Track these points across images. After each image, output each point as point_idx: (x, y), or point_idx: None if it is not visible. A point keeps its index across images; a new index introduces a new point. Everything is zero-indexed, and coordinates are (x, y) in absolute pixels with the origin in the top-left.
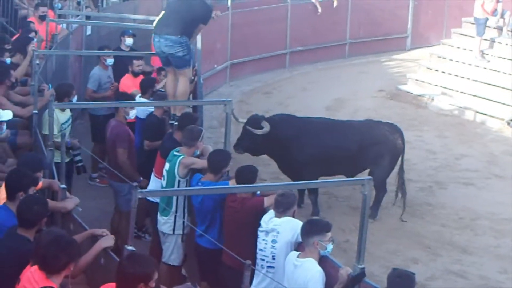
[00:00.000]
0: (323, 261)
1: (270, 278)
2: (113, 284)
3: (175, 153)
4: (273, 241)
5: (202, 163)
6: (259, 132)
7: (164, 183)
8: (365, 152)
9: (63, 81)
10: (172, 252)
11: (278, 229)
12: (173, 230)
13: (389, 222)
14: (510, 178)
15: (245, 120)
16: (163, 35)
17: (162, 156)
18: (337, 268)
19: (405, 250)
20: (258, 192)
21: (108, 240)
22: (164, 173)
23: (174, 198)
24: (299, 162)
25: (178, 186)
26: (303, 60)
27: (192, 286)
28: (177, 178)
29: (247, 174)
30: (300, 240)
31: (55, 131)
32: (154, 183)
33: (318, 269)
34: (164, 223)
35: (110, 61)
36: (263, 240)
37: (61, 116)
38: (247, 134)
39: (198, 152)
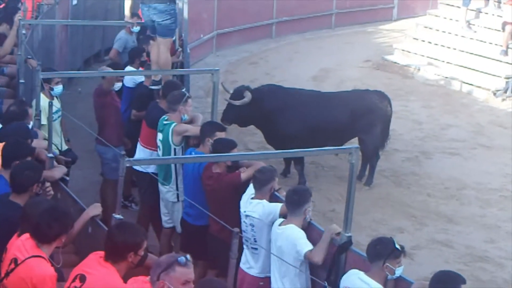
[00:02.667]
0: (309, 229)
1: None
2: (102, 252)
3: (164, 121)
4: (251, 224)
5: (195, 130)
6: (237, 102)
7: (160, 153)
8: (356, 122)
9: (47, 63)
10: None
11: (253, 215)
12: (177, 197)
13: (375, 191)
14: (496, 148)
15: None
16: (152, 3)
17: (148, 125)
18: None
19: (391, 220)
20: None
21: (95, 209)
22: (159, 143)
23: (172, 166)
24: (286, 135)
25: (175, 154)
26: (289, 30)
27: (178, 255)
28: (172, 146)
29: (216, 146)
30: (276, 218)
31: (44, 121)
32: (141, 153)
33: (301, 230)
34: (167, 192)
35: (136, 28)
36: (244, 222)
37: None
38: (232, 105)
39: (186, 117)
